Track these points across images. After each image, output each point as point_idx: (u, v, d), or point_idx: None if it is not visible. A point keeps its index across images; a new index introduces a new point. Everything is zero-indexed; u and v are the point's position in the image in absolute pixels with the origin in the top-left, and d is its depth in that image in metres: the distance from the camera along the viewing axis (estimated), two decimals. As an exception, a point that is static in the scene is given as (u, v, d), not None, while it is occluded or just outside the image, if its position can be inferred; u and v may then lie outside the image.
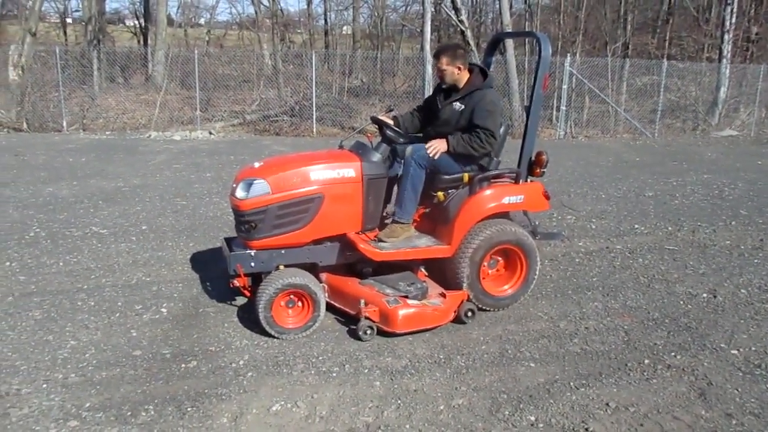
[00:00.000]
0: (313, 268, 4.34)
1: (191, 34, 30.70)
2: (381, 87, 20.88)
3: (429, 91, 14.92)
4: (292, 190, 4.09)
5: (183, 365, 3.69)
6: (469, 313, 4.25)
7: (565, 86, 14.99)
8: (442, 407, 3.29)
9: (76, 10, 29.58)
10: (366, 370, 3.66)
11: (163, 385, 3.48)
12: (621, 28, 21.61)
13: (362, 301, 4.08)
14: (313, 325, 4.09)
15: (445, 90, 4.56)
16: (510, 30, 16.01)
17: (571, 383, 3.54)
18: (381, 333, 4.05)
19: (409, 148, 4.35)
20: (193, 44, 27.05)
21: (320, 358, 3.79)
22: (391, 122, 4.51)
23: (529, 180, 4.64)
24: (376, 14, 28.65)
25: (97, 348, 3.88)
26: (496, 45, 5.33)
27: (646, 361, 3.81)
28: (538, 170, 4.57)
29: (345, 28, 31.16)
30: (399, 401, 3.34)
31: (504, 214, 4.55)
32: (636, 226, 6.77)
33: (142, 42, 27.05)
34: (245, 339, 4.02)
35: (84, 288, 4.80)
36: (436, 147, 4.28)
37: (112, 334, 4.06)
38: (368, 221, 4.34)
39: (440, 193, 4.42)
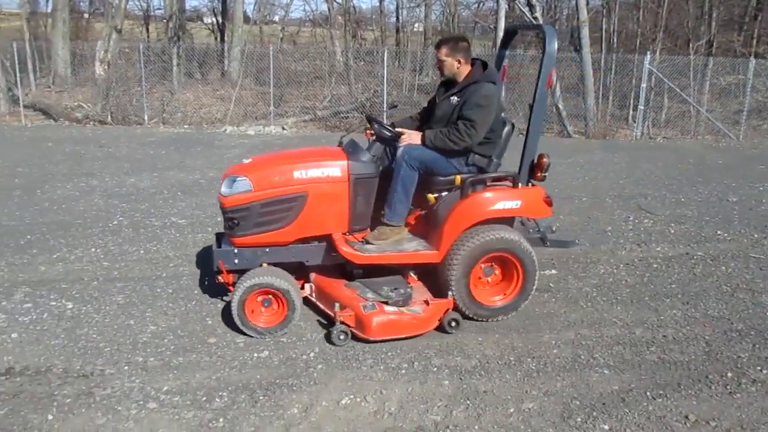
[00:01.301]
0: (302, 268, 4.30)
1: (266, 31, 31.37)
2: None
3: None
4: (275, 188, 4.03)
5: (255, 354, 3.78)
6: (453, 323, 4.03)
7: (644, 85, 14.45)
8: (512, 410, 3.24)
9: (158, 8, 30.75)
10: (435, 369, 3.64)
11: (237, 373, 3.58)
12: (705, 24, 20.66)
13: (337, 304, 3.96)
14: (287, 325, 4.00)
15: (446, 85, 4.41)
16: (587, 27, 15.57)
17: (648, 393, 3.42)
18: (356, 339, 3.91)
19: (401, 149, 4.21)
20: (267, 41, 27.64)
21: (389, 354, 3.80)
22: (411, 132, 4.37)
23: (530, 184, 4.35)
24: (449, 11, 28.45)
25: (175, 334, 4.02)
26: (510, 38, 4.90)
27: (729, 374, 3.63)
28: (539, 174, 4.28)
29: (416, 25, 31.08)
30: (468, 401, 3.31)
31: (504, 220, 4.27)
32: (719, 232, 6.46)
33: (218, 39, 27.84)
34: (315, 332, 4.08)
35: (163, 276, 4.98)
36: (409, 139, 4.19)
37: (189, 321, 4.21)
38: (355, 222, 4.21)
39: (430, 195, 4.26)
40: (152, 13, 30.67)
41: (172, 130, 13.72)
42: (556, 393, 3.41)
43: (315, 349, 3.85)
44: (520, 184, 4.26)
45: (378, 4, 31.55)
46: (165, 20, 25.56)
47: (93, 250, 5.58)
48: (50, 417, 3.12)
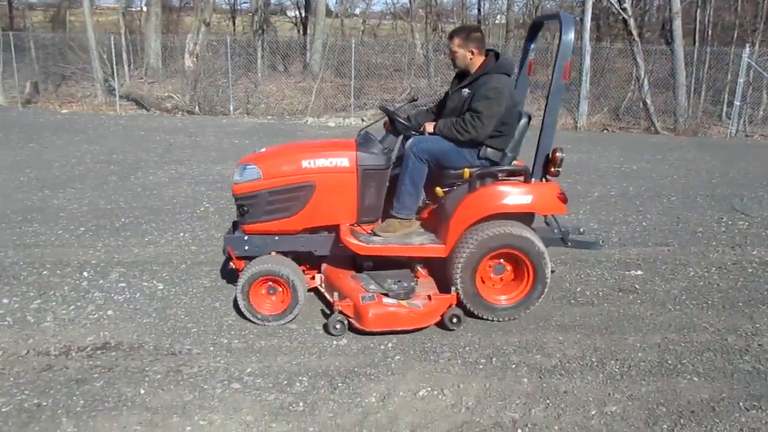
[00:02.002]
0: (314, 259, 4.32)
1: (347, 24, 31.73)
2: (534, 78, 20.31)
3: (587, 84, 14.28)
4: (283, 177, 4.06)
5: (334, 342, 3.84)
6: (454, 319, 3.93)
7: (741, 80, 13.68)
8: (593, 412, 3.16)
9: (245, 2, 31.66)
10: (513, 366, 3.59)
11: (316, 359, 3.65)
12: (811, 15, 19.29)
13: (336, 294, 3.99)
14: (291, 313, 4.02)
15: (459, 76, 4.31)
16: (679, 18, 14.86)
17: (741, 403, 3.24)
18: (353, 330, 3.90)
19: (410, 141, 4.15)
20: (348, 34, 27.94)
21: (467, 348, 3.78)
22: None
23: (544, 180, 4.18)
24: (532, 3, 27.85)
25: (258, 318, 4.14)
26: (536, 30, 4.65)
27: (832, 389, 3.40)
28: (552, 169, 4.08)
29: (498, 17, 30.61)
30: (547, 401, 3.25)
31: (519, 216, 4.09)
32: (822, 237, 6.05)
33: (301, 32, 28.39)
34: (394, 322, 4.10)
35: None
36: (425, 128, 4.17)
37: (271, 307, 4.31)
38: (364, 213, 4.17)
39: (438, 189, 4.16)
40: (238, 7, 31.66)
41: (255, 120, 14.11)
42: (641, 398, 3.29)
43: (393, 339, 3.87)
44: (533, 179, 4.09)
45: (459, -4, 31.18)
46: (251, 14, 26.27)
47: (181, 234, 5.83)
48: (142, 391, 3.28)
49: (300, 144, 4.69)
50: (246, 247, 4.20)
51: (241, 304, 4.01)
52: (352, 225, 4.17)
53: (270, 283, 4.05)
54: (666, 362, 3.66)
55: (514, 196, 4.00)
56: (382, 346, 3.79)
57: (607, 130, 14.23)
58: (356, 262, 4.27)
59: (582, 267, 5.14)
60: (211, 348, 3.75)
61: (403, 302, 3.90)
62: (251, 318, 4.03)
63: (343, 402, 3.22)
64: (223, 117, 14.42)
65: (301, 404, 3.20)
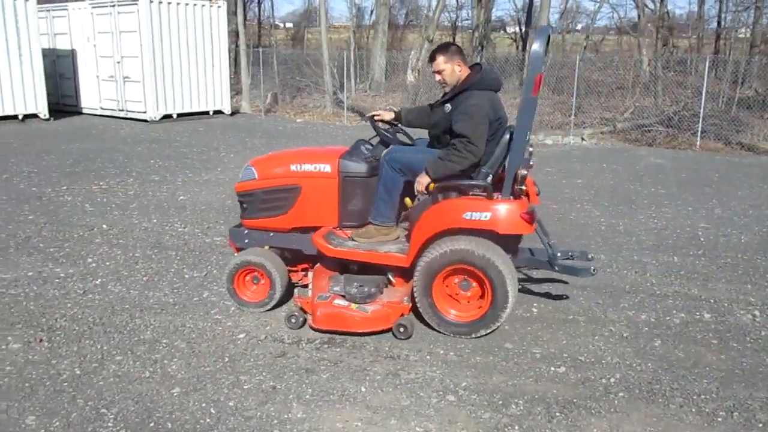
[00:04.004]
0: (311, 258, 4.44)
1: (567, 40, 30.88)
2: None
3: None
4: (275, 178, 4.39)
5: (552, 368, 3.70)
6: (401, 329, 3.96)
7: None
8: None
9: (466, 19, 32.30)
10: (760, 425, 3.16)
11: (533, 383, 3.54)
12: None
13: (296, 290, 4.42)
14: (270, 302, 4.34)
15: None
16: None
17: None
18: (312, 328, 4.06)
19: (384, 151, 4.22)
20: (569, 50, 27.17)
21: (702, 396, 3.41)
22: (385, 121, 4.48)
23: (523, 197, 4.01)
24: (785, 15, 24.71)
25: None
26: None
27: None
28: (515, 188, 3.90)
29: (741, 31, 27.62)
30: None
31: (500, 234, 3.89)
32: None
33: (520, 48, 28.21)
34: (617, 356, 3.85)
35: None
36: (420, 182, 4.00)
37: (487, 323, 4.29)
38: (345, 218, 4.33)
39: (407, 199, 4.22)
40: (459, 24, 32.36)
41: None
42: None
43: (616, 374, 3.63)
44: (498, 196, 3.90)
45: (697, 8, 28.72)
46: (471, 30, 26.74)
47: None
48: (363, 389, 3.44)
49: (297, 150, 4.90)
50: (246, 240, 4.56)
51: (227, 290, 4.46)
52: (335, 228, 4.36)
53: (253, 273, 4.40)
54: None
55: (475, 212, 3.88)
56: (604, 380, 3.57)
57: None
58: (344, 265, 4.37)
59: None
60: (428, 357, 3.82)
61: (353, 305, 4.02)
62: (236, 302, 4.45)
63: (562, 433, 3.08)
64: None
65: (516, 428, 3.12)
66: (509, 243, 4.14)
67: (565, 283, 5.01)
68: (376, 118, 4.50)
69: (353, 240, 4.24)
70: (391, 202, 4.20)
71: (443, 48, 4.17)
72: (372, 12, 30.20)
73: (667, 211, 7.44)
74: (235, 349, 3.87)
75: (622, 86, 18.41)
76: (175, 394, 3.35)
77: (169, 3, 14.95)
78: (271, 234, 4.49)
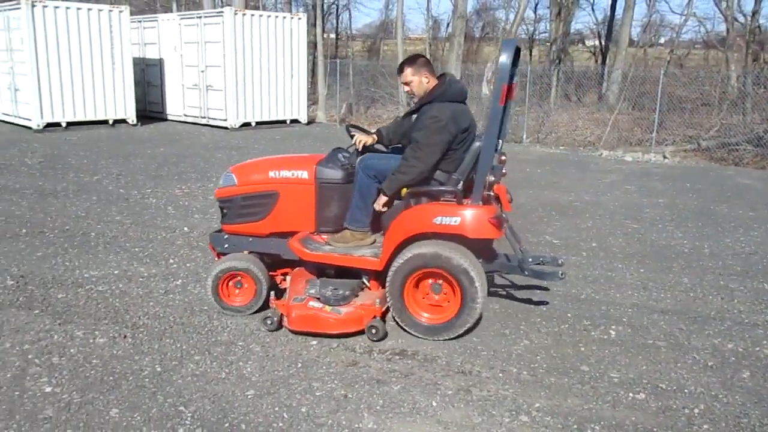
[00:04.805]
0: (290, 262, 4.53)
1: (650, 54, 29.91)
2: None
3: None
4: (253, 184, 4.48)
5: (631, 394, 3.56)
6: (373, 330, 4.05)
7: None
8: None
9: (543, 32, 31.82)
10: None
11: (610, 408, 3.41)
12: None
13: (272, 293, 4.37)
14: (256, 305, 4.42)
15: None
16: None
17: None
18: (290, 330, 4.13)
19: (359, 158, 4.35)
20: (651, 64, 26.31)
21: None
22: (366, 135, 4.54)
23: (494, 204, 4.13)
24: None
25: (547, 353, 4.04)
26: (516, 54, 4.07)
27: None
28: (484, 193, 4.02)
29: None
30: None
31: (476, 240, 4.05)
32: None
33: (599, 61, 27.54)
34: (701, 386, 3.66)
35: (536, 292, 5.07)
36: (378, 202, 4.21)
37: (562, 344, 4.18)
38: (322, 223, 4.42)
39: (377, 204, 4.27)
40: (537, 37, 31.90)
41: (546, 150, 14.00)
42: None
43: (700, 405, 3.45)
44: (467, 202, 4.05)
45: (791, 22, 27.28)
46: (549, 43, 26.32)
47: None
48: (434, 403, 3.41)
49: (276, 157, 4.92)
50: (225, 245, 4.66)
51: (212, 296, 4.48)
52: (312, 233, 4.46)
53: (236, 278, 4.46)
54: None
55: (444, 216, 4.00)
56: (687, 410, 3.40)
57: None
58: (321, 269, 4.47)
59: None
60: (500, 374, 3.75)
61: (327, 307, 4.08)
62: (226, 311, 4.47)
63: (642, 463, 2.96)
64: (514, 144, 14.59)
65: (592, 454, 3.02)
66: (482, 248, 4.27)
67: (646, 307, 4.83)
68: (358, 144, 4.53)
69: (329, 245, 4.36)
70: (366, 208, 4.30)
71: (411, 60, 4.30)
72: (448, 24, 30.26)
73: (756, 234, 7.05)
74: (307, 355, 3.92)
75: (707, 102, 17.67)
76: (249, 396, 3.42)
77: (252, 15, 15.46)
78: (250, 239, 4.58)
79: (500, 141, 4.20)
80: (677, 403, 3.48)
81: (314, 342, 4.08)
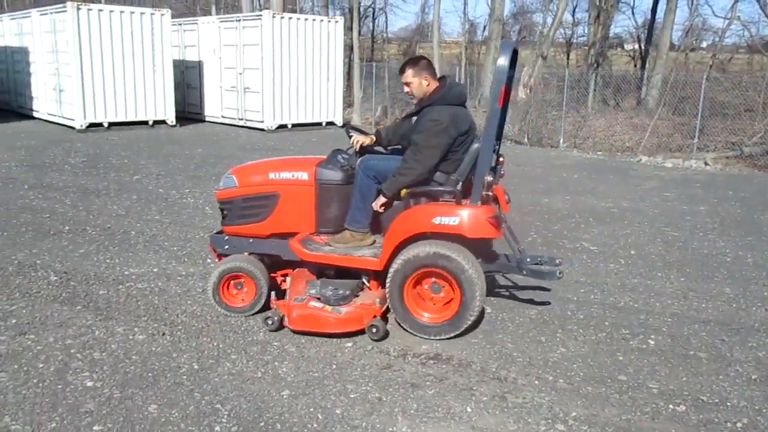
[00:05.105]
0: (290, 263, 4.53)
1: (691, 58, 29.29)
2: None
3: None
4: (254, 186, 4.50)
5: (671, 406, 3.48)
6: (374, 329, 4.07)
7: None
8: None
9: (582, 36, 31.46)
10: None
11: (649, 420, 3.35)
12: None
13: (273, 293, 4.37)
14: (257, 305, 4.43)
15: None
16: None
17: None
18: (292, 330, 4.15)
19: (359, 159, 4.37)
20: (692, 69, 25.76)
21: None
22: (364, 136, 4.58)
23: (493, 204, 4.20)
24: None
25: (584, 361, 3.98)
26: (514, 57, 4.18)
27: None
28: (483, 194, 4.04)
29: None
30: None
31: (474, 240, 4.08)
32: None
33: (638, 66, 27.09)
34: (744, 399, 3.57)
35: (573, 299, 5.00)
36: (376, 203, 4.24)
37: (599, 352, 4.12)
38: (322, 224, 4.44)
39: (376, 204, 4.29)
40: (575, 41, 31.55)
41: (584, 155, 13.81)
42: None
43: (743, 419, 3.36)
44: (467, 202, 4.08)
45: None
46: (587, 47, 26.00)
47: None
48: (469, 409, 3.39)
49: (276, 159, 4.91)
50: (226, 246, 4.69)
51: (212, 297, 4.49)
52: (312, 234, 4.47)
53: (238, 279, 4.48)
54: None
55: (444, 216, 4.03)
56: (729, 424, 3.32)
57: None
58: (321, 270, 4.48)
59: None
60: (536, 382, 3.71)
61: (327, 307, 4.10)
62: (228, 313, 4.48)
63: (682, 477, 2.89)
64: (551, 149, 14.43)
65: (631, 466, 2.96)
66: (481, 248, 4.28)
67: (686, 317, 4.73)
68: (355, 144, 4.56)
69: (329, 245, 4.39)
70: (366, 209, 4.32)
71: (413, 61, 4.34)
72: (485, 28, 30.12)
73: (803, 245, 6.84)
74: (342, 357, 3.94)
75: (751, 108, 17.22)
76: (284, 396, 3.45)
77: (290, 18, 15.61)
78: (251, 240, 4.60)
79: (497, 143, 4.26)
80: (719, 416, 3.40)
81: (349, 344, 4.09)
